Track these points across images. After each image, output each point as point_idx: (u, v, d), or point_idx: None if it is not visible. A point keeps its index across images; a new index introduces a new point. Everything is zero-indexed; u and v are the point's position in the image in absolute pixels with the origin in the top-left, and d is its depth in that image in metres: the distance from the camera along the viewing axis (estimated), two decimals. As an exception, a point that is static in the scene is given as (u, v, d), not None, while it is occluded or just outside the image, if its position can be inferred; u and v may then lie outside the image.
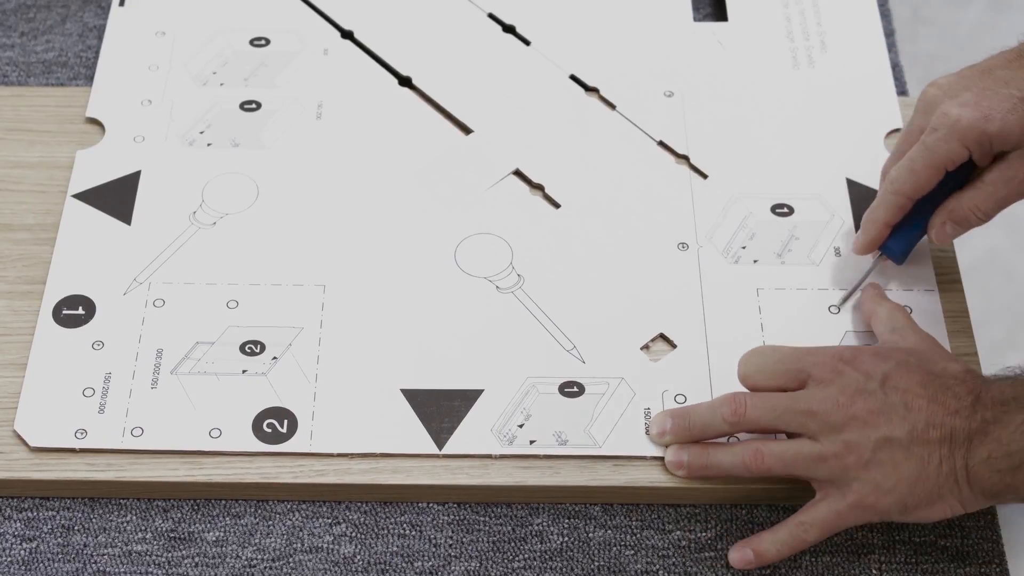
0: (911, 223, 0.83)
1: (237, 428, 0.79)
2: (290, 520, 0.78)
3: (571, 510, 0.79)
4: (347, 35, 0.99)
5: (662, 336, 0.84)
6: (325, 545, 0.78)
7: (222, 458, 0.79)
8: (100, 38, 1.00)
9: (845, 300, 0.84)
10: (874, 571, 0.77)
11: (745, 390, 0.77)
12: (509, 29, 1.00)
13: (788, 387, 0.76)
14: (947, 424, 0.72)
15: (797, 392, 0.75)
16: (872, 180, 0.90)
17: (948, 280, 0.86)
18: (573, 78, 0.97)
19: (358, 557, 0.77)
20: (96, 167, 0.91)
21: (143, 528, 0.78)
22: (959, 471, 0.72)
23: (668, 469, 0.78)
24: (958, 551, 0.78)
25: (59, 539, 0.78)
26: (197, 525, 0.78)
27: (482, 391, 0.81)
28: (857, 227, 0.88)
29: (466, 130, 0.94)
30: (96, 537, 0.78)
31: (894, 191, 0.82)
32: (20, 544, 0.77)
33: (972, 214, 0.81)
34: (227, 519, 0.78)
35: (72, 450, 0.79)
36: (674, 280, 0.86)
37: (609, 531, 0.78)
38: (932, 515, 0.73)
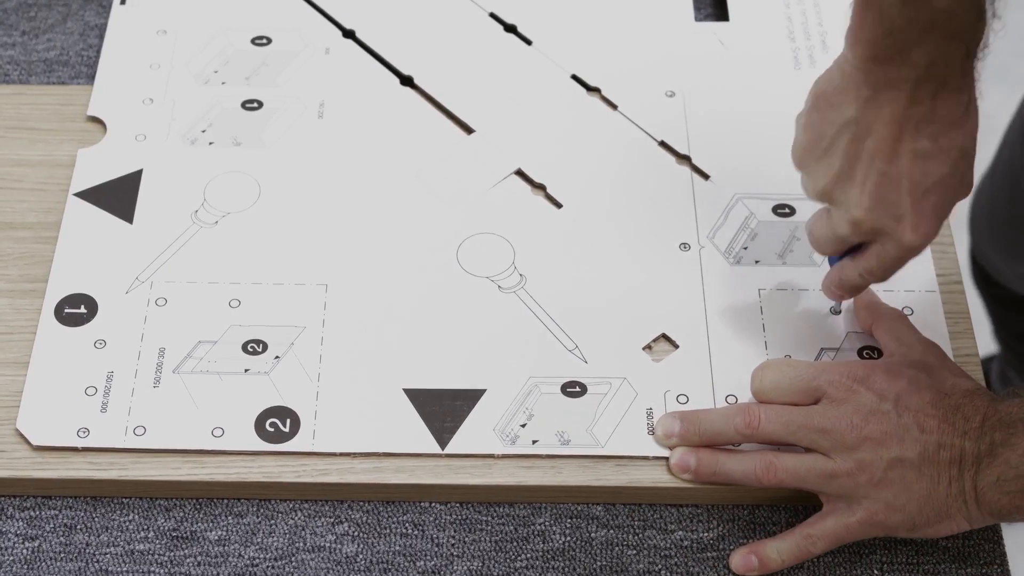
0: None
1: (239, 427, 0.79)
2: (292, 519, 0.78)
3: (573, 510, 0.79)
4: (349, 34, 0.99)
5: (664, 336, 0.84)
6: (327, 544, 0.78)
7: (224, 457, 0.79)
8: (101, 37, 0.99)
9: (839, 304, 0.84)
10: (875, 571, 0.77)
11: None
12: (510, 29, 1.00)
13: (801, 403, 0.76)
14: (957, 445, 0.72)
15: (811, 408, 0.76)
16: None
17: (949, 281, 0.86)
18: (575, 78, 0.97)
19: (360, 556, 0.77)
20: (98, 166, 0.91)
21: (145, 527, 0.78)
22: (968, 492, 0.72)
23: (672, 471, 0.78)
24: (959, 552, 0.78)
25: (61, 538, 0.78)
26: (199, 524, 0.78)
27: (484, 391, 0.81)
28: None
29: (468, 130, 0.94)
30: (98, 536, 0.78)
31: (862, 286, 0.80)
32: (23, 543, 0.77)
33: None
34: (229, 518, 0.78)
35: (74, 449, 0.79)
36: (676, 280, 0.86)
37: (611, 531, 0.78)
38: (939, 532, 0.74)
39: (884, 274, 0.77)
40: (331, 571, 0.77)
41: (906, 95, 0.70)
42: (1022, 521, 0.73)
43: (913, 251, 0.75)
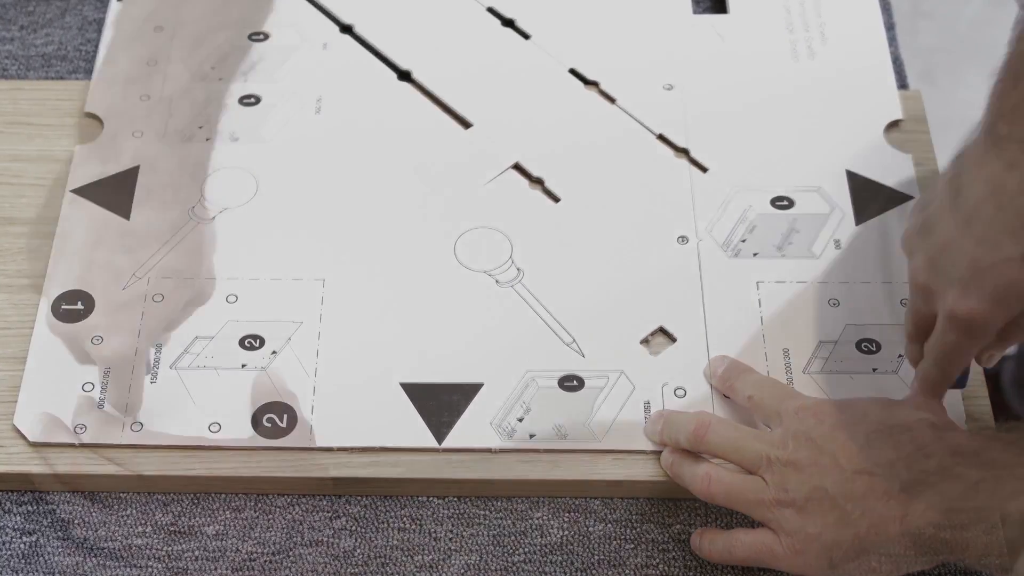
0: None
1: (237, 422, 0.79)
2: (290, 514, 0.78)
3: (571, 504, 0.79)
4: (346, 29, 0.99)
5: (662, 330, 0.84)
6: (325, 539, 0.78)
7: (222, 452, 0.79)
8: (100, 31, 0.99)
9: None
10: (874, 564, 0.77)
11: (717, 395, 0.80)
12: (508, 23, 1.00)
13: (764, 419, 0.77)
14: (878, 475, 0.70)
15: (759, 432, 0.76)
16: (872, 173, 0.90)
17: (948, 273, 0.86)
18: (573, 72, 0.97)
19: (358, 551, 0.77)
20: (95, 162, 0.91)
21: (143, 522, 0.78)
22: (880, 524, 0.70)
23: (663, 468, 0.78)
24: (958, 544, 0.77)
25: (59, 533, 0.78)
26: (197, 519, 0.78)
27: (482, 385, 0.81)
28: (857, 219, 0.88)
29: (466, 124, 0.94)
30: (96, 531, 0.78)
31: (942, 382, 0.75)
32: (20, 538, 0.77)
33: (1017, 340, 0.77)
34: (227, 513, 0.78)
35: (72, 444, 0.79)
36: (674, 274, 0.86)
37: (609, 525, 0.78)
38: (861, 574, 0.71)
39: (954, 357, 0.73)
40: (329, 565, 0.77)
41: None
42: (951, 561, 0.71)
43: (957, 323, 0.70)
